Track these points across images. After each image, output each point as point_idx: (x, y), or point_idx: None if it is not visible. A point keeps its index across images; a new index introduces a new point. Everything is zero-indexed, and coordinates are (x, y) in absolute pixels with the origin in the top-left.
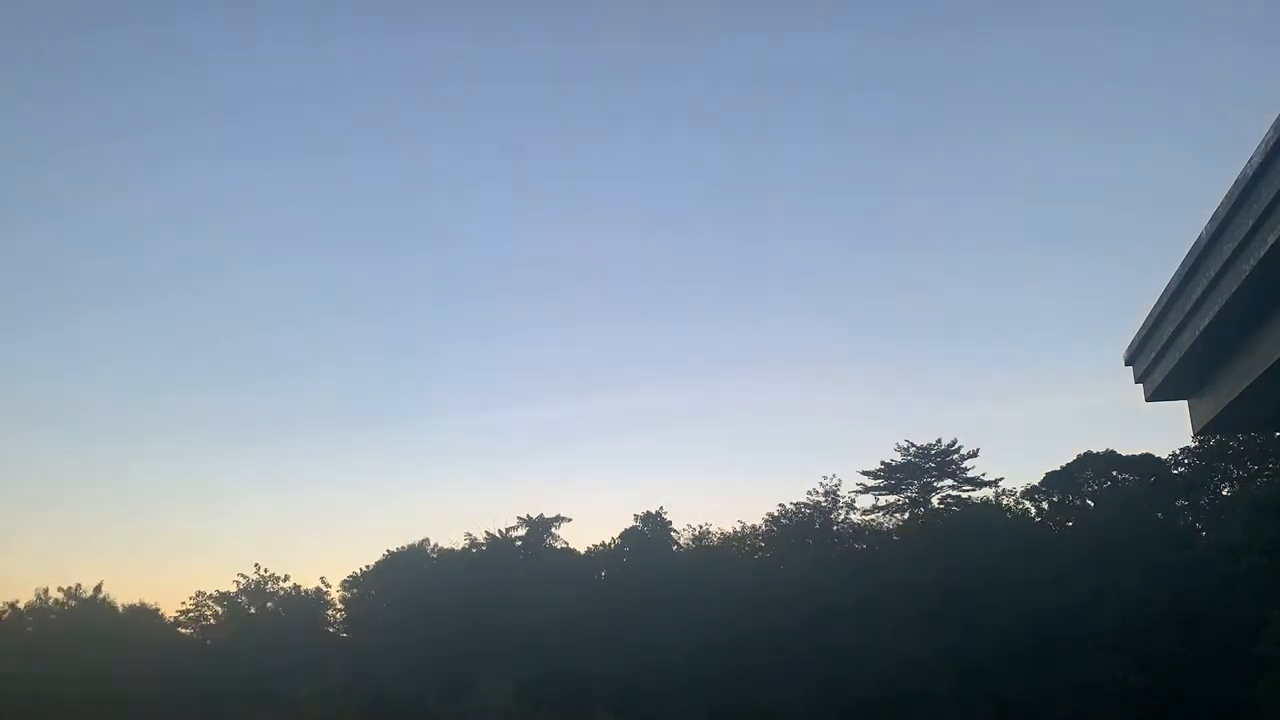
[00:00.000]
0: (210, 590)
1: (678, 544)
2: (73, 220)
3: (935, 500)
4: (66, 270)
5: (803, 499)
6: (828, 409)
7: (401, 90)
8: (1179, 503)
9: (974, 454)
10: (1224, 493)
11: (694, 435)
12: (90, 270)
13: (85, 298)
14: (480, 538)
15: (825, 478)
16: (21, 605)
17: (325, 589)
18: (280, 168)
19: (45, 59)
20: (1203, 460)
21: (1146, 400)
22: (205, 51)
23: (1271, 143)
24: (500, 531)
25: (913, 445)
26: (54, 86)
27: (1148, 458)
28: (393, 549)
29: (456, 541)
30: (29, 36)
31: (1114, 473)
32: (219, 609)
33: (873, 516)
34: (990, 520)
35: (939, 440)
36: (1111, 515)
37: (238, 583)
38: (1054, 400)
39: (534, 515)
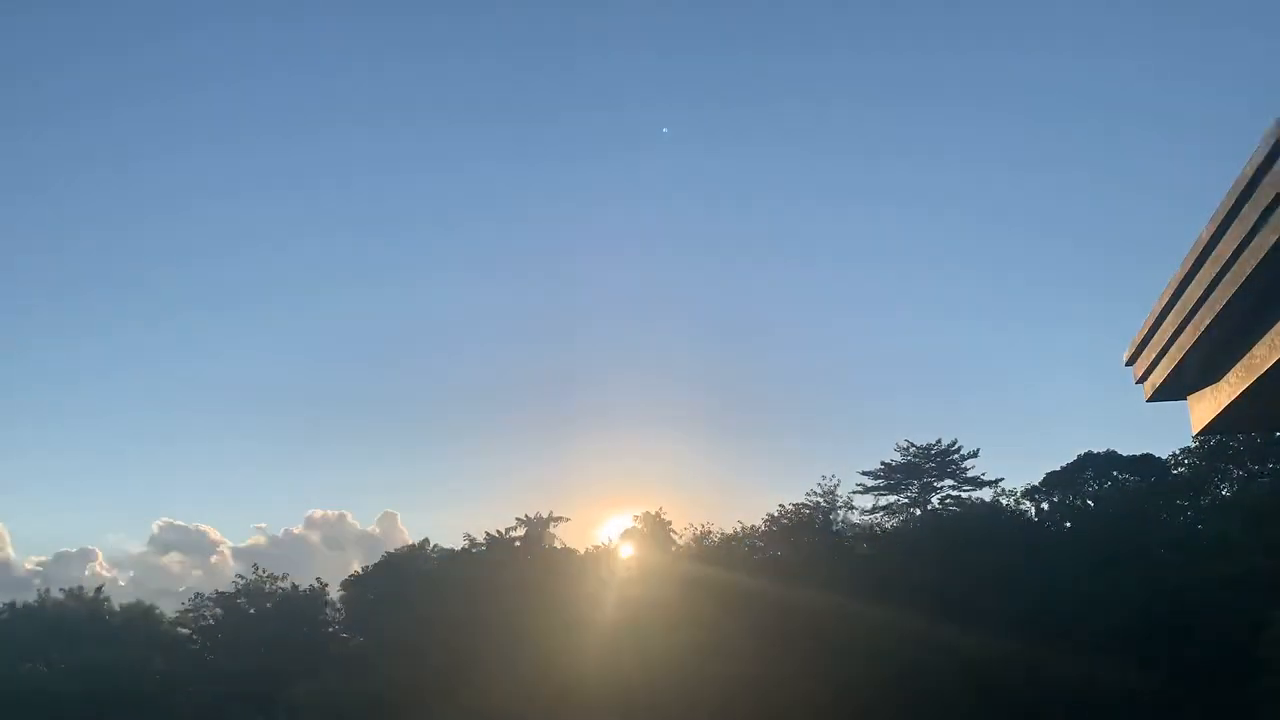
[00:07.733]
0: (209, 590)
1: (677, 544)
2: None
3: (935, 500)
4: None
5: (803, 499)
6: (828, 408)
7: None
8: (1179, 503)
9: (974, 454)
10: (1224, 493)
11: (694, 435)
12: (89, 272)
13: (83, 297)
14: (480, 538)
15: (825, 478)
16: (20, 605)
17: (322, 587)
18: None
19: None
20: (1203, 460)
21: (1146, 400)
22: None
23: (1272, 141)
24: (500, 531)
25: (913, 445)
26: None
27: (1148, 458)
28: (392, 549)
29: (456, 542)
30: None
31: (1114, 473)
32: (218, 609)
33: (873, 516)
34: (990, 520)
35: (939, 440)
36: (1111, 515)
37: (236, 583)
38: (1054, 400)
39: (533, 515)
